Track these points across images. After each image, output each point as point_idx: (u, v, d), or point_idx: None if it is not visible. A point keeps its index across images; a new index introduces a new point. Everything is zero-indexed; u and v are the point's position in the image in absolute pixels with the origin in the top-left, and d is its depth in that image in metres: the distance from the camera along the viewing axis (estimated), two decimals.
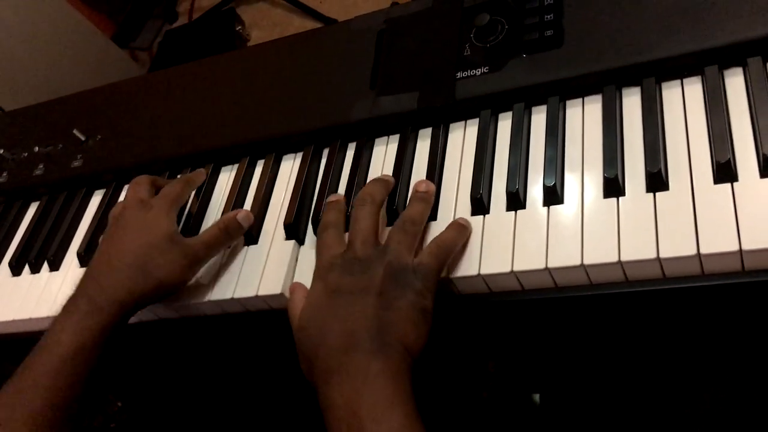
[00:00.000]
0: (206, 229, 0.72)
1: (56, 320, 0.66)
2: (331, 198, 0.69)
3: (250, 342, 0.86)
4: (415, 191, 0.65)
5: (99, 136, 0.92)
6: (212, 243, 0.71)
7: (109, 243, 0.71)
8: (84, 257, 0.83)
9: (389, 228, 0.63)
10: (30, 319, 0.81)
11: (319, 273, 0.62)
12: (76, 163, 0.91)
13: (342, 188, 0.74)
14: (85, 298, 0.66)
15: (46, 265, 0.86)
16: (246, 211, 0.73)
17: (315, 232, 0.71)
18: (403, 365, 0.54)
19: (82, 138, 0.93)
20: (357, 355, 0.54)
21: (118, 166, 0.89)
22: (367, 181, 0.72)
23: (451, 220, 0.64)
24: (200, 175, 0.81)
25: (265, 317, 0.72)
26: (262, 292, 0.69)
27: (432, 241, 0.61)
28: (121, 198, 0.88)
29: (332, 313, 0.58)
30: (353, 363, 0.54)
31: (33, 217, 0.93)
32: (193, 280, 0.72)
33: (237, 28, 1.82)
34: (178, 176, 0.84)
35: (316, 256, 0.64)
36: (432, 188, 0.65)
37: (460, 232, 0.62)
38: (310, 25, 1.79)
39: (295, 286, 0.65)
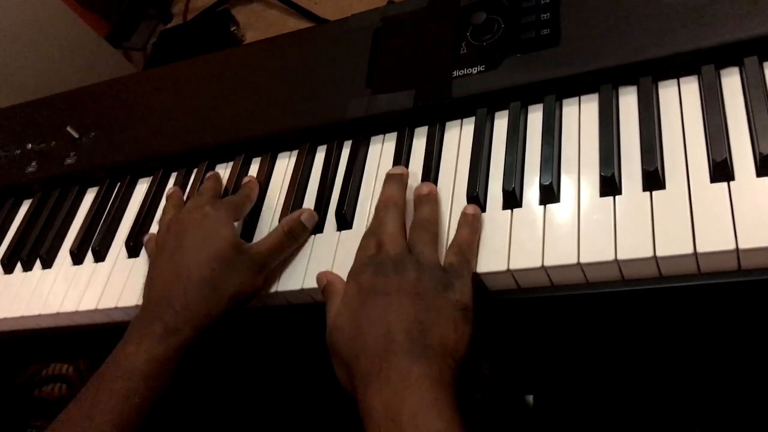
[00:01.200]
0: (270, 233, 0.69)
1: (127, 341, 0.62)
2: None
3: (242, 342, 0.86)
4: (419, 195, 0.65)
5: (92, 134, 0.92)
6: (278, 248, 0.68)
7: (170, 255, 0.67)
8: (77, 254, 0.82)
9: None
10: (22, 317, 0.81)
11: (351, 274, 0.61)
12: (69, 161, 0.91)
13: (337, 187, 0.73)
14: (158, 322, 0.62)
15: (38, 263, 0.86)
16: (309, 210, 0.71)
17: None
18: (445, 369, 0.53)
19: (76, 135, 0.92)
20: (397, 359, 0.53)
21: (112, 163, 0.88)
22: (363, 179, 0.72)
23: (447, 218, 0.64)
24: (255, 185, 0.76)
25: (259, 315, 0.71)
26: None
27: (452, 245, 0.61)
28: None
29: (368, 314, 0.56)
30: (393, 367, 0.52)
31: (25, 214, 0.92)
32: None
33: (232, 29, 1.81)
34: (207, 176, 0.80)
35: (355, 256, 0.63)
36: (434, 189, 0.65)
37: (473, 224, 0.61)
38: (305, 26, 1.79)
39: (329, 279, 0.63)
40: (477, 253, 0.61)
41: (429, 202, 0.64)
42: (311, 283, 0.66)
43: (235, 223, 0.70)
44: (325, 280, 0.63)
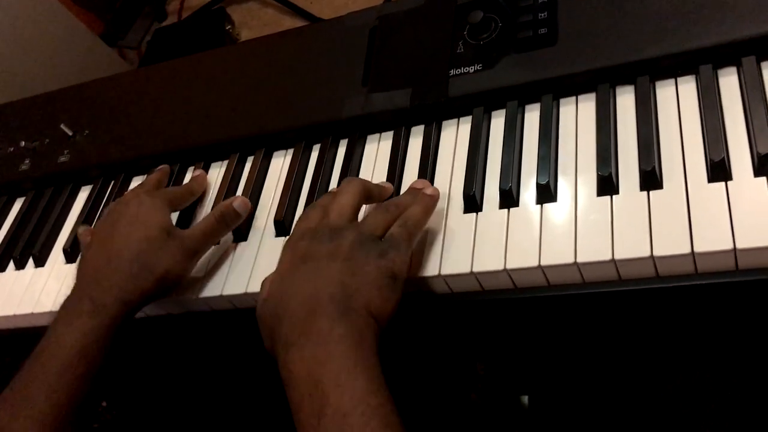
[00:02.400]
0: (202, 219, 0.71)
1: (57, 322, 0.63)
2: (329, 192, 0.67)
3: (239, 340, 0.85)
4: (412, 187, 0.65)
5: (86, 132, 0.91)
6: (208, 232, 0.69)
7: (103, 240, 0.69)
8: (70, 253, 0.82)
9: None
10: (14, 316, 0.80)
11: (288, 242, 0.61)
12: (62, 159, 0.90)
13: (333, 185, 0.73)
14: (86, 299, 0.64)
15: (31, 261, 0.85)
16: (242, 197, 0.72)
17: None
18: (367, 331, 0.53)
19: (69, 133, 0.92)
20: (319, 320, 0.53)
21: (106, 161, 0.88)
22: (357, 175, 0.72)
23: (443, 216, 0.64)
24: (202, 180, 0.79)
25: (254, 315, 0.71)
26: (251, 289, 0.68)
27: (400, 218, 0.60)
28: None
29: (296, 280, 0.56)
30: (315, 330, 0.52)
31: (18, 212, 0.92)
32: None
33: (227, 28, 1.80)
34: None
35: (293, 227, 0.63)
36: (428, 185, 0.65)
37: (427, 204, 0.61)
38: (301, 25, 1.78)
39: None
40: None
41: (413, 195, 0.63)
42: None
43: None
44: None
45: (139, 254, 0.66)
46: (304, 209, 0.65)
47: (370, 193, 0.64)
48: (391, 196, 0.67)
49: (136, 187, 0.75)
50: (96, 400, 0.64)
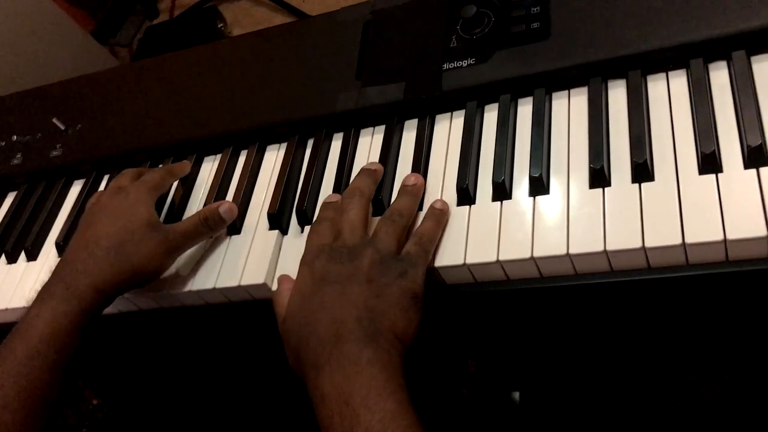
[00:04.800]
0: (187, 218, 0.71)
1: (31, 306, 0.64)
2: (329, 198, 0.68)
3: (232, 333, 0.85)
4: (404, 185, 0.65)
5: (79, 126, 0.91)
6: (191, 233, 0.70)
7: (85, 229, 0.70)
8: (62, 246, 0.82)
9: (377, 218, 0.63)
10: (6, 310, 0.80)
11: (305, 260, 0.62)
12: (55, 153, 0.90)
13: (327, 179, 0.73)
14: (60, 283, 0.64)
15: (23, 255, 0.85)
16: (230, 203, 0.72)
17: (299, 222, 0.71)
18: (394, 353, 0.54)
19: (62, 127, 0.91)
20: (347, 345, 0.54)
21: (99, 155, 0.88)
22: (353, 172, 0.72)
23: None
24: (184, 165, 0.80)
25: (247, 308, 0.71)
26: (244, 281, 0.68)
27: (413, 234, 0.61)
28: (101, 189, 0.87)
29: (320, 302, 0.57)
30: (344, 353, 0.53)
31: (10, 206, 0.91)
32: (175, 269, 0.71)
33: (219, 26, 1.80)
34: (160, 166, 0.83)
35: (305, 243, 0.64)
36: (421, 182, 0.66)
37: (438, 218, 0.62)
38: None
39: (281, 278, 0.64)
40: (438, 246, 0.61)
41: (409, 194, 0.64)
42: None
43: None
44: (280, 280, 0.64)
45: (119, 244, 0.66)
46: (312, 225, 0.66)
47: (371, 195, 0.65)
48: (385, 190, 0.68)
49: (116, 179, 0.75)
50: (69, 391, 0.64)
